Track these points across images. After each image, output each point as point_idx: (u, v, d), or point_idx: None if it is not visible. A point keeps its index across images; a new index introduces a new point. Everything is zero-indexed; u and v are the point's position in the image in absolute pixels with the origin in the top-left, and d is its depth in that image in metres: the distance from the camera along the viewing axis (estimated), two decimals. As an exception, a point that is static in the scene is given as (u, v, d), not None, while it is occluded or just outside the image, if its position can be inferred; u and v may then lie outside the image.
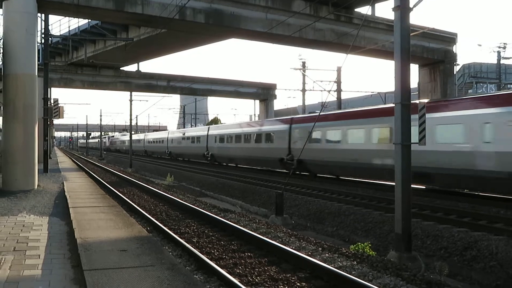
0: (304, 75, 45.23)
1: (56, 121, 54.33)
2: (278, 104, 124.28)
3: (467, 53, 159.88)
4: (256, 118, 61.27)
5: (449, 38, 33.32)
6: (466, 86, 62.97)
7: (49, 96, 31.05)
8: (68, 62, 44.28)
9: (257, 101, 59.91)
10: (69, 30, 38.08)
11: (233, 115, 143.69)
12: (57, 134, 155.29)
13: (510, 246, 11.25)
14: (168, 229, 11.67)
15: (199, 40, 33.76)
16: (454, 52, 33.51)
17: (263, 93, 57.58)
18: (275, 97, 58.31)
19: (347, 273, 7.76)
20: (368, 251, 10.95)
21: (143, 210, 14.79)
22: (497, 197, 17.98)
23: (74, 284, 6.53)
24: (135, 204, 16.15)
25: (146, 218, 13.38)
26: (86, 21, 35.63)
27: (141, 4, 22.78)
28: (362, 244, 11.45)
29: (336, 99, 40.87)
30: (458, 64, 35.51)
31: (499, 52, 49.67)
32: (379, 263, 8.90)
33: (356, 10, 28.69)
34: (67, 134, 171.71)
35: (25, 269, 7.18)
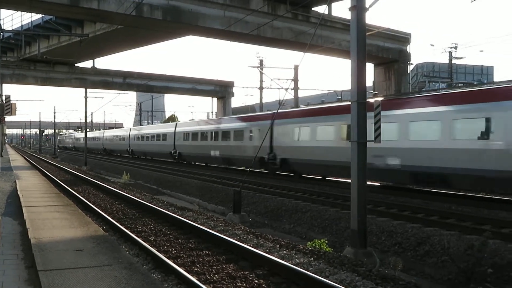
0: (261, 73, 45.39)
1: (7, 118, 52.80)
2: (236, 101, 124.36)
3: (420, 52, 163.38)
4: (214, 116, 60.86)
5: (403, 38, 34.05)
6: (419, 85, 64.45)
7: (0, 93, 30.21)
8: (20, 58, 43.16)
9: (215, 99, 59.80)
10: (21, 25, 37.22)
11: (191, 112, 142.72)
12: (9, 131, 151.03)
13: (461, 241, 11.58)
14: (125, 228, 11.55)
15: (156, 36, 33.47)
16: (408, 51, 34.26)
17: (221, 90, 57.51)
18: (232, 94, 58.32)
19: (304, 270, 7.85)
20: (325, 247, 11.09)
21: (99, 209, 14.58)
22: (448, 193, 18.48)
23: (28, 285, 6.41)
24: (90, 202, 15.90)
25: (102, 217, 13.20)
26: (39, 15, 34.84)
27: (96, -1, 22.42)
28: (319, 241, 11.57)
29: (293, 97, 41.14)
30: (411, 64, 36.36)
31: (450, 52, 51.01)
32: (335, 259, 9.04)
33: (313, 9, 28.98)
34: (19, 131, 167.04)
35: (-23, 271, 6.99)
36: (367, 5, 11.13)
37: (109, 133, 72.79)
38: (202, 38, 27.82)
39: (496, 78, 79.89)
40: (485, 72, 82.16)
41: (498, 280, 9.63)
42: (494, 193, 18.08)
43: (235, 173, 30.19)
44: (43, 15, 33.78)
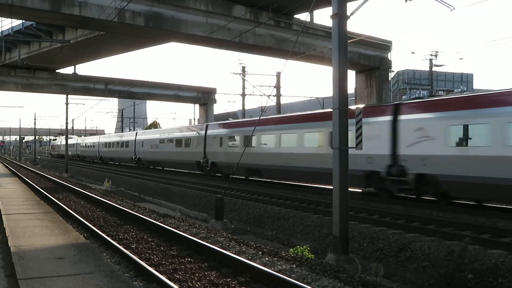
0: (244, 80, 45.47)
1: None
2: (218, 108, 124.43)
3: (401, 60, 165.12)
4: (196, 122, 60.67)
5: (385, 46, 34.33)
6: (400, 92, 65.09)
7: (-21, 99, 29.84)
8: (0, 64, 42.69)
9: (197, 105, 59.69)
10: (1, 31, 36.79)
11: (173, 119, 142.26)
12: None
13: (442, 247, 11.70)
14: (106, 235, 11.46)
15: (138, 43, 33.39)
16: (389, 59, 34.54)
17: (203, 97, 57.41)
18: (215, 101, 58.23)
19: (287, 276, 7.87)
20: (307, 254, 11.11)
21: (80, 216, 14.46)
22: (428, 200, 18.64)
23: (8, 294, 6.33)
24: (71, 210, 15.76)
25: (83, 224, 13.10)
26: (20, 21, 34.53)
27: (78, 5, 22.28)
28: (301, 247, 11.59)
29: (275, 103, 41.28)
30: (392, 71, 36.67)
31: (431, 60, 51.52)
32: (317, 266, 9.07)
33: (295, 16, 29.14)
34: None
35: (-45, 280, 6.90)
36: (348, 13, 11.24)
37: (147, 135, 47.69)
38: (185, 44, 28.02)
39: (476, 86, 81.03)
40: (465, 79, 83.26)
41: (478, 285, 9.74)
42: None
43: (217, 180, 30.18)
44: (23, 20, 33.50)
